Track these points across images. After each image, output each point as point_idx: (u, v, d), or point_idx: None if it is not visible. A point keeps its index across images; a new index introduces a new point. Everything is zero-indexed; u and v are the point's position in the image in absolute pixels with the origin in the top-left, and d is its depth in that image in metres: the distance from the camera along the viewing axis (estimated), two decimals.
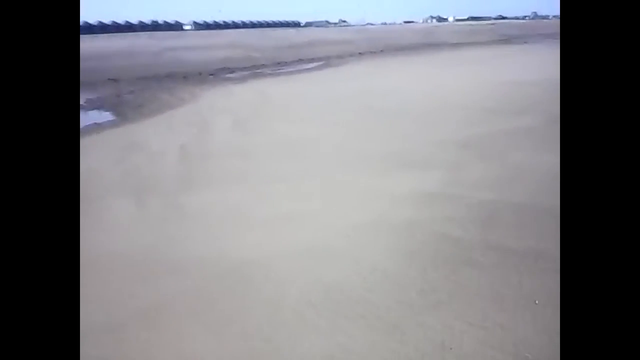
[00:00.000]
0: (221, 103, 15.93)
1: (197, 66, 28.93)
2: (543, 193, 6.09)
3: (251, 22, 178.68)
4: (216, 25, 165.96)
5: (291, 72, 26.76)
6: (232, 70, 28.10)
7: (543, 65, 23.31)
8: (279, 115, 13.26)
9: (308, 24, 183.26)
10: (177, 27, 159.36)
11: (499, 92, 14.92)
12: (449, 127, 10.31)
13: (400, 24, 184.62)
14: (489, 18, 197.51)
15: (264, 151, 9.28)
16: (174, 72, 25.68)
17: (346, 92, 16.89)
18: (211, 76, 25.39)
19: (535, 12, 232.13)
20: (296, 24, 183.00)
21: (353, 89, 17.59)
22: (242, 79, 23.61)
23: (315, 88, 18.91)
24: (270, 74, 26.03)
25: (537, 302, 3.91)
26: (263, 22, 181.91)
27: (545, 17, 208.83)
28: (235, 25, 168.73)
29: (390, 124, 11.03)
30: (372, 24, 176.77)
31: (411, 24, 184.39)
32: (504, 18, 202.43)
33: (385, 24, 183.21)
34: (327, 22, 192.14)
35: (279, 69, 28.91)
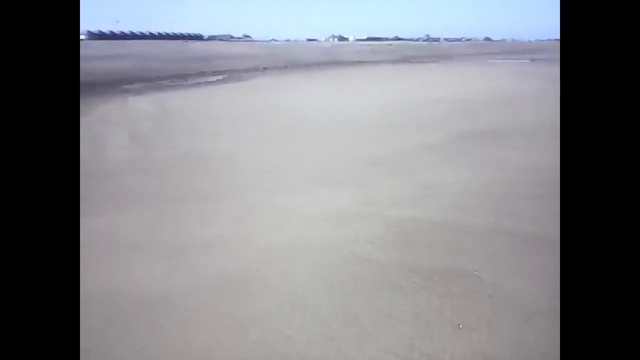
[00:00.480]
0: (117, 116, 14.74)
1: (92, 77, 26.85)
2: (456, 209, 6.10)
3: (151, 33, 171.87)
4: (113, 36, 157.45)
5: (194, 85, 25.76)
6: (130, 82, 26.47)
7: (442, 83, 24.66)
8: (182, 128, 12.50)
9: (211, 38, 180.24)
10: None
11: (407, 108, 15.35)
12: (358, 144, 10.27)
13: (304, 41, 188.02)
14: (387, 39, 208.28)
15: (167, 168, 8.55)
16: None
17: (252, 106, 16.46)
18: (107, 87, 23.69)
19: (428, 35, 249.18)
20: (199, 37, 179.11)
21: (258, 104, 17.20)
22: (141, 91, 22.24)
23: (220, 101, 18.26)
24: (171, 86, 24.84)
25: (461, 326, 3.77)
26: (164, 33, 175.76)
27: (436, 40, 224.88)
28: (133, 36, 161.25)
29: (301, 140, 10.77)
30: (276, 40, 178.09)
31: (314, 41, 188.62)
32: (399, 39, 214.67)
33: (289, 40, 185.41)
34: (231, 36, 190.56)
35: (181, 82, 27.75)
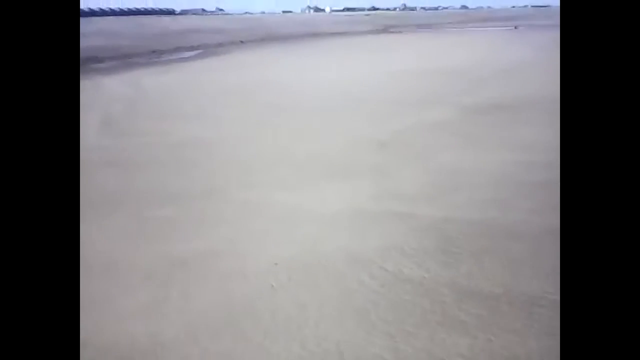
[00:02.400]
0: (86, 98, 13.36)
1: None
2: (493, 205, 5.14)
3: (120, 9, 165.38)
4: (82, 13, 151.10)
5: (168, 62, 24.19)
6: (100, 60, 24.76)
7: (429, 54, 23.58)
8: (157, 112, 11.25)
9: (184, 12, 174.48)
10: None
11: (399, 82, 14.28)
12: (358, 124, 9.20)
13: (279, 13, 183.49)
14: (363, 9, 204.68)
15: (141, 159, 7.39)
16: None
17: (234, 84, 15.21)
18: None
19: (404, 4, 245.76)
20: (170, 12, 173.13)
21: (241, 80, 15.94)
22: (112, 69, 20.69)
23: (197, 79, 16.92)
24: (144, 64, 23.26)
25: None
26: (134, 9, 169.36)
27: (413, 9, 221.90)
28: (102, 13, 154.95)
29: (294, 122, 9.64)
30: (250, 13, 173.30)
31: (290, 13, 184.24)
32: (376, 9, 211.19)
33: (264, 13, 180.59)
34: (204, 10, 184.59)
35: (154, 58, 26.10)
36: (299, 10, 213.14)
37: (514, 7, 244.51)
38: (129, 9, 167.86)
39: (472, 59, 19.70)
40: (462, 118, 9.32)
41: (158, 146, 8.08)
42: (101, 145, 8.29)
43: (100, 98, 13.35)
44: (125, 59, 25.45)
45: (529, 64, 17.31)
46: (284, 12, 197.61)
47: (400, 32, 50.59)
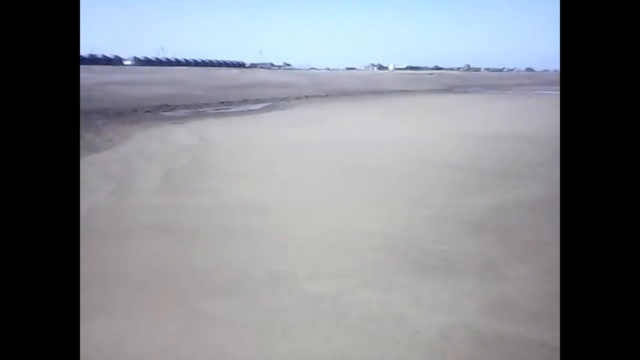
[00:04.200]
0: (154, 147, 13.20)
1: (134, 102, 25.96)
2: None
3: (194, 60, 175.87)
4: (158, 62, 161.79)
5: (235, 113, 24.37)
6: (171, 108, 25.39)
7: (506, 116, 22.36)
8: (223, 167, 10.72)
9: (252, 65, 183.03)
10: (116, 61, 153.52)
11: (477, 147, 13.18)
12: (441, 196, 8.12)
13: (343, 69, 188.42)
14: (426, 68, 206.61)
15: (198, 226, 6.64)
16: (106, 108, 22.63)
17: (302, 140, 14.64)
18: (148, 113, 22.58)
19: (468, 65, 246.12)
20: (240, 65, 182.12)
21: (309, 137, 15.38)
22: (182, 119, 20.93)
23: (264, 133, 16.56)
24: (212, 114, 23.50)
25: None
26: (207, 60, 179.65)
27: (478, 70, 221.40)
28: (177, 63, 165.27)
29: (372, 189, 8.69)
30: (315, 69, 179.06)
31: (353, 70, 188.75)
32: (439, 68, 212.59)
33: (328, 69, 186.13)
34: (272, 64, 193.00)
35: (222, 109, 26.47)
36: (362, 67, 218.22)
37: None
38: (202, 60, 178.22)
39: (547, 124, 18.33)
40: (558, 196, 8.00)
41: (212, 210, 7.34)
42: (159, 206, 7.65)
43: (166, 148, 13.11)
44: (196, 108, 25.94)
45: None
46: (347, 68, 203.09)
47: (465, 92, 49.71)
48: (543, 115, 22.15)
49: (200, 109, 25.77)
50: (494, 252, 5.56)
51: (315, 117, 21.99)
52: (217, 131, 16.55)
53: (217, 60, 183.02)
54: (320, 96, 39.22)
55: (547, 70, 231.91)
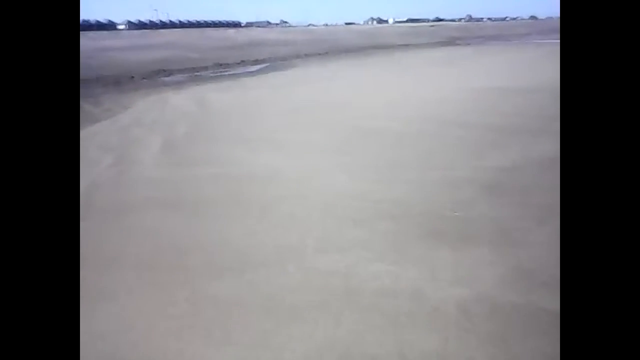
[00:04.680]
0: (152, 115, 12.88)
1: (130, 68, 25.41)
2: None
3: (189, 21, 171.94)
4: (152, 25, 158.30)
5: (234, 75, 23.78)
6: (168, 73, 24.84)
7: (513, 68, 21.71)
8: (225, 133, 10.42)
9: (249, 24, 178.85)
10: (110, 26, 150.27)
11: (486, 102, 12.77)
12: (452, 157, 7.83)
13: (342, 25, 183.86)
14: (427, 20, 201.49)
15: (201, 198, 6.43)
16: (104, 76, 22.17)
17: (304, 102, 14.25)
18: (145, 80, 22.08)
19: (469, 15, 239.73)
20: (236, 24, 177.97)
21: (311, 99, 14.96)
22: (180, 84, 20.45)
23: (265, 95, 16.14)
24: (210, 77, 22.96)
25: None
26: (202, 21, 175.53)
27: (480, 20, 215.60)
28: (172, 25, 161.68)
29: (380, 152, 8.40)
30: (314, 25, 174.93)
31: (352, 25, 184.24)
32: (440, 20, 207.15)
33: (327, 25, 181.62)
34: (269, 22, 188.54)
35: (221, 72, 25.86)
36: (362, 22, 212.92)
37: None
38: (197, 21, 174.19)
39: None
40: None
41: (216, 179, 7.11)
42: (157, 178, 7.43)
43: (165, 116, 12.79)
44: (192, 72, 25.34)
45: None
46: (346, 23, 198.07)
47: (468, 44, 48.44)
48: (548, 65, 21.50)
49: (197, 73, 25.17)
50: (510, 216, 5.33)
51: (316, 77, 21.45)
52: (217, 96, 16.13)
53: (212, 21, 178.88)
54: (320, 54, 38.28)
55: (550, 18, 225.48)
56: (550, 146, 8.04)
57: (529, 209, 5.51)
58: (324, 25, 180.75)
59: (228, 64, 29.69)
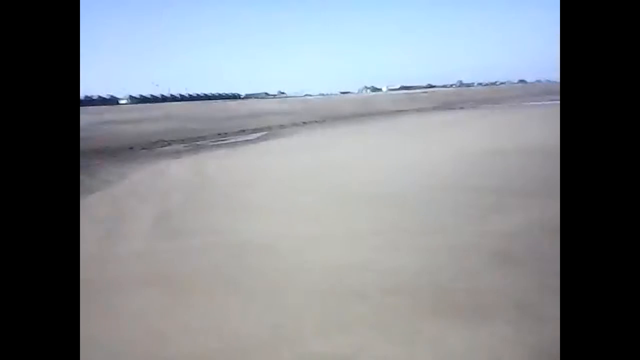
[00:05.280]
0: (148, 186, 12.66)
1: (130, 140, 25.63)
2: None
3: (189, 94, 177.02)
4: (153, 99, 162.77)
5: (233, 144, 23.92)
6: (167, 143, 25.00)
7: (506, 130, 21.86)
8: (220, 202, 10.13)
9: (248, 96, 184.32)
10: (112, 101, 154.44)
11: (485, 165, 12.60)
12: (457, 222, 7.48)
13: (337, 94, 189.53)
14: (420, 87, 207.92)
15: (192, 273, 6.01)
16: (102, 148, 22.29)
17: (302, 169, 14.11)
18: (144, 150, 22.16)
19: (460, 81, 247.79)
20: (236, 96, 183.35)
21: (309, 165, 14.84)
22: (178, 153, 20.46)
23: (263, 163, 16.04)
24: (210, 146, 23.06)
25: None
26: (202, 94, 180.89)
27: (470, 85, 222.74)
28: (173, 98, 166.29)
29: (381, 219, 8.07)
30: (310, 95, 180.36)
31: (348, 94, 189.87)
32: (432, 86, 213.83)
33: (322, 94, 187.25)
34: (266, 93, 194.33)
35: (220, 140, 26.05)
36: (356, 91, 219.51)
37: None
38: (197, 94, 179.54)
39: (547, 135, 17.80)
40: None
41: (213, 252, 6.73)
42: (148, 251, 7.04)
43: (162, 186, 12.56)
44: (192, 141, 25.52)
45: None
46: (342, 92, 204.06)
47: (461, 108, 49.48)
48: (542, 127, 21.69)
49: (197, 142, 25.34)
50: (527, 288, 4.90)
51: (314, 144, 21.53)
52: (214, 164, 16.04)
53: (212, 93, 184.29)
54: (317, 122, 38.94)
55: (539, 81, 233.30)
56: (550, 209, 7.70)
57: (541, 278, 5.09)
58: (320, 94, 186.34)
59: (227, 133, 30.03)
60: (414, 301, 4.71)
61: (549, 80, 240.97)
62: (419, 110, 49.37)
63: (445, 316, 4.35)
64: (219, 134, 29.30)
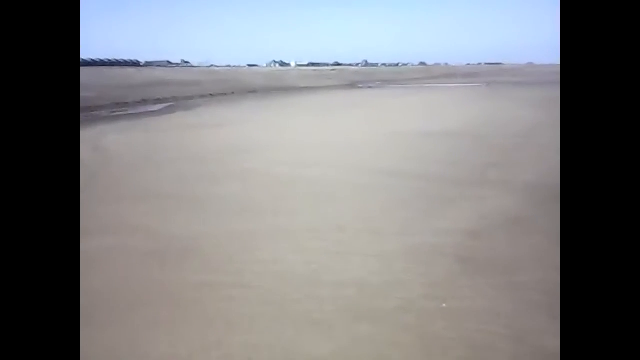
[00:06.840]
0: None
1: None
2: None
3: (83, 59, 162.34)
4: None
5: (134, 115, 21.83)
6: None
7: (421, 112, 22.14)
8: (122, 188, 8.82)
9: (148, 64, 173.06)
10: None
11: (414, 148, 12.24)
12: (405, 217, 6.80)
13: (245, 67, 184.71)
14: (327, 64, 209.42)
15: (85, 298, 4.96)
16: None
17: (213, 147, 12.94)
18: None
19: (366, 60, 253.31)
20: (135, 64, 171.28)
21: (220, 143, 13.65)
22: None
23: (166, 138, 14.55)
24: (107, 118, 20.83)
25: None
26: (97, 59, 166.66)
27: (375, 65, 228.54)
28: None
29: (315, 213, 7.20)
30: (216, 66, 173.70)
31: (256, 67, 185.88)
32: (339, 64, 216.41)
33: (229, 66, 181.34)
34: (169, 62, 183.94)
35: (119, 111, 23.69)
36: (265, 65, 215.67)
37: (468, 64, 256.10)
38: (92, 59, 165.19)
39: (471, 118, 18.30)
40: (543, 210, 6.92)
41: (117, 259, 5.65)
42: None
43: None
44: (88, 112, 22.92)
45: (541, 124, 15.82)
46: (249, 65, 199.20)
47: (369, 87, 50.19)
48: (457, 110, 22.29)
49: (92, 112, 22.82)
50: (507, 305, 4.24)
51: (224, 119, 20.18)
52: (114, 139, 14.30)
53: (108, 59, 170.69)
54: (226, 94, 37.23)
55: (438, 64, 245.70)
56: (501, 202, 7.48)
57: (521, 292, 4.47)
58: (226, 66, 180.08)
59: (127, 103, 27.51)
60: (379, 328, 4.08)
61: (447, 64, 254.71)
62: (330, 87, 49.22)
63: (428, 349, 3.76)
64: (118, 104, 26.75)
